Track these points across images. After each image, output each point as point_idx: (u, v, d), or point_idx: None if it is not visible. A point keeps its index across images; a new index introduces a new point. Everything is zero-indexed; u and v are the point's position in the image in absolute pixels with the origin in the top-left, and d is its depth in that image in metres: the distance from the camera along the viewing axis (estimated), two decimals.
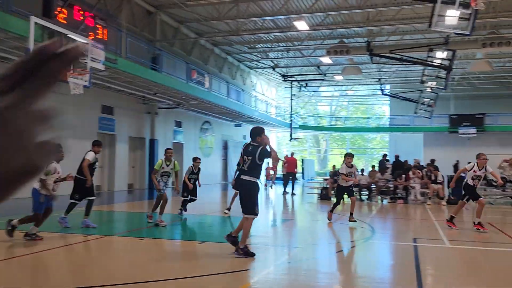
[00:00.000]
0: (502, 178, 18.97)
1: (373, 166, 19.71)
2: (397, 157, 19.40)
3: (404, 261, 6.99)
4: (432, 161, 18.69)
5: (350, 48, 21.84)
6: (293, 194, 20.59)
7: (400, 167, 18.33)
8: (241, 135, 32.62)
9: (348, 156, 11.28)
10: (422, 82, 20.92)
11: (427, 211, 14.45)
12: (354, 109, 46.74)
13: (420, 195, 17.17)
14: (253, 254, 6.50)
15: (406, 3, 17.78)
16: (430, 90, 24.40)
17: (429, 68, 19.99)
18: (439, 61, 19.42)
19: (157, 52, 19.77)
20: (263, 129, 6.98)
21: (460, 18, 11.56)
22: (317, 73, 29.89)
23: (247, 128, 33.12)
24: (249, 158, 6.63)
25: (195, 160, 11.77)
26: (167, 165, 9.77)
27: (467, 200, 9.98)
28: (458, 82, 31.63)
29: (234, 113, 26.64)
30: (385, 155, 21.21)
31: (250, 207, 6.60)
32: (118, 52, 15.68)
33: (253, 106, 30.27)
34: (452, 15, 11.66)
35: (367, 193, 18.38)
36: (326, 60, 25.45)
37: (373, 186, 18.23)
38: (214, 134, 28.80)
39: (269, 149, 6.73)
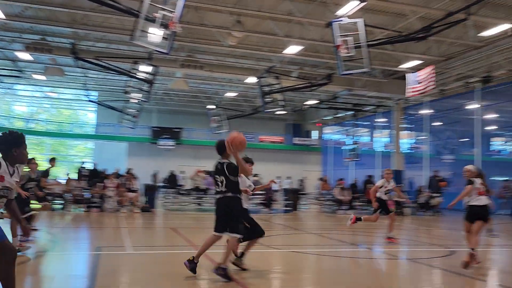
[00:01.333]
0: (196, 187, 21.20)
1: (68, 174, 18.97)
2: (95, 165, 19.20)
3: (84, 271, 6.80)
4: (129, 170, 19.24)
5: (52, 47, 20.44)
6: None
7: (97, 176, 18.16)
8: None
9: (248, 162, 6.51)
10: (126, 92, 21.31)
11: (120, 219, 14.69)
12: (57, 113, 43.94)
13: (117, 203, 17.36)
14: (229, 278, 5.78)
15: (113, 12, 17.86)
16: (137, 101, 25.14)
17: (134, 80, 20.52)
18: (144, 75, 20.17)
19: None
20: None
21: (164, 38, 12.27)
22: (13, 68, 26.77)
23: None
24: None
25: (31, 161, 8.58)
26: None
27: (380, 213, 10.13)
28: (161, 96, 33.69)
29: None
30: (83, 163, 20.71)
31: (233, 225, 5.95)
32: None
33: None
34: (154, 33, 12.25)
35: (62, 202, 17.45)
36: (24, 56, 23.02)
37: (68, 194, 17.46)
38: None
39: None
